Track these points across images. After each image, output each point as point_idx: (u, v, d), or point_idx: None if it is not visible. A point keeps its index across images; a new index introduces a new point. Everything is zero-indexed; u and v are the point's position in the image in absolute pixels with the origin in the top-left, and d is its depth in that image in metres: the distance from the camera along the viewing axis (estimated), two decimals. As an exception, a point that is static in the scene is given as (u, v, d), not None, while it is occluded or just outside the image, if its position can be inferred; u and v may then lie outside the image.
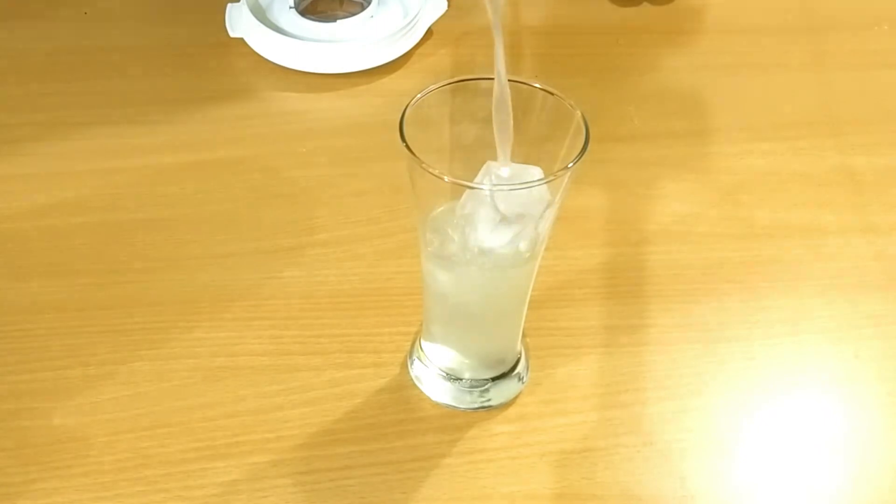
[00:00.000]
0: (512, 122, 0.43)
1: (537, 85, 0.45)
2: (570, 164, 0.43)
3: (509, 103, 0.42)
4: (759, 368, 0.56)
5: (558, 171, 0.43)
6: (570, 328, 0.57)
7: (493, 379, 0.53)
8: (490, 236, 0.45)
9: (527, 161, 0.45)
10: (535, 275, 0.49)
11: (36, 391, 0.52)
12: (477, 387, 0.52)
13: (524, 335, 0.54)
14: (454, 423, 0.52)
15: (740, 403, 0.54)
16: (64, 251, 0.60)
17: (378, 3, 0.78)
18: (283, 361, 0.54)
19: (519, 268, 0.47)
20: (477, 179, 0.44)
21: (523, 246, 0.46)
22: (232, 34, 0.77)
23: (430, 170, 0.42)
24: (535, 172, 0.44)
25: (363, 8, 0.78)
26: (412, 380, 0.54)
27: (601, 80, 0.76)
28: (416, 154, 0.42)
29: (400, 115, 0.43)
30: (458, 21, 0.79)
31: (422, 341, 0.53)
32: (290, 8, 0.78)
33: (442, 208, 0.46)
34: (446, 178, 0.42)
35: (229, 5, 0.78)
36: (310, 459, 0.50)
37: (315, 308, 0.57)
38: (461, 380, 0.53)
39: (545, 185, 0.43)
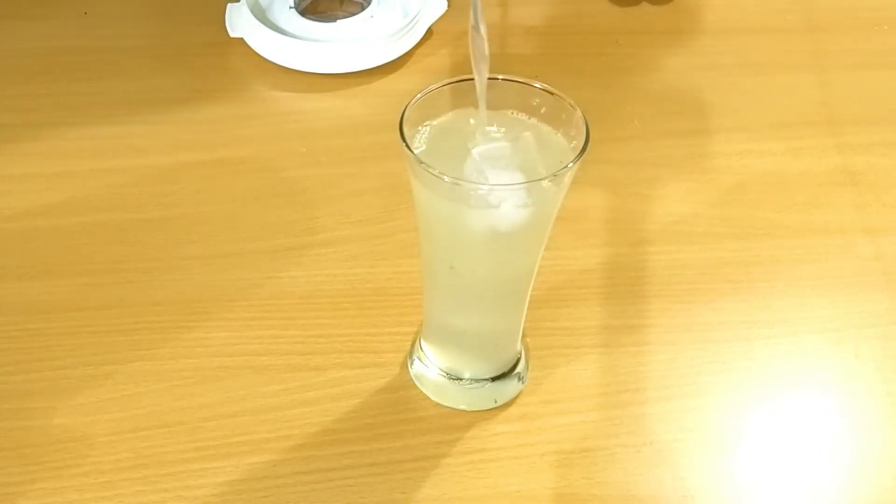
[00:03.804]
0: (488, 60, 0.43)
1: (537, 85, 0.45)
2: (570, 164, 0.43)
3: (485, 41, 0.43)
4: (759, 368, 0.56)
5: (558, 170, 0.43)
6: (570, 328, 0.57)
7: (493, 379, 0.53)
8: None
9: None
10: (535, 271, 0.49)
11: (36, 391, 0.52)
12: (477, 386, 0.52)
13: (524, 335, 0.54)
14: (454, 423, 0.52)
15: (740, 403, 0.54)
16: (64, 251, 0.60)
17: (378, 3, 0.78)
18: (283, 361, 0.54)
19: (522, 252, 0.47)
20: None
21: (520, 206, 0.45)
22: (232, 34, 0.77)
23: (430, 170, 0.42)
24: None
25: (363, 8, 0.78)
26: (412, 380, 0.54)
27: (601, 80, 0.76)
28: (416, 154, 0.42)
29: (400, 115, 0.43)
30: (458, 21, 0.79)
31: (422, 341, 0.53)
32: (290, 8, 0.78)
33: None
34: (446, 178, 0.42)
35: (229, 5, 0.78)
36: (310, 459, 0.50)
37: (315, 308, 0.57)
38: (461, 380, 0.52)
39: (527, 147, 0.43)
